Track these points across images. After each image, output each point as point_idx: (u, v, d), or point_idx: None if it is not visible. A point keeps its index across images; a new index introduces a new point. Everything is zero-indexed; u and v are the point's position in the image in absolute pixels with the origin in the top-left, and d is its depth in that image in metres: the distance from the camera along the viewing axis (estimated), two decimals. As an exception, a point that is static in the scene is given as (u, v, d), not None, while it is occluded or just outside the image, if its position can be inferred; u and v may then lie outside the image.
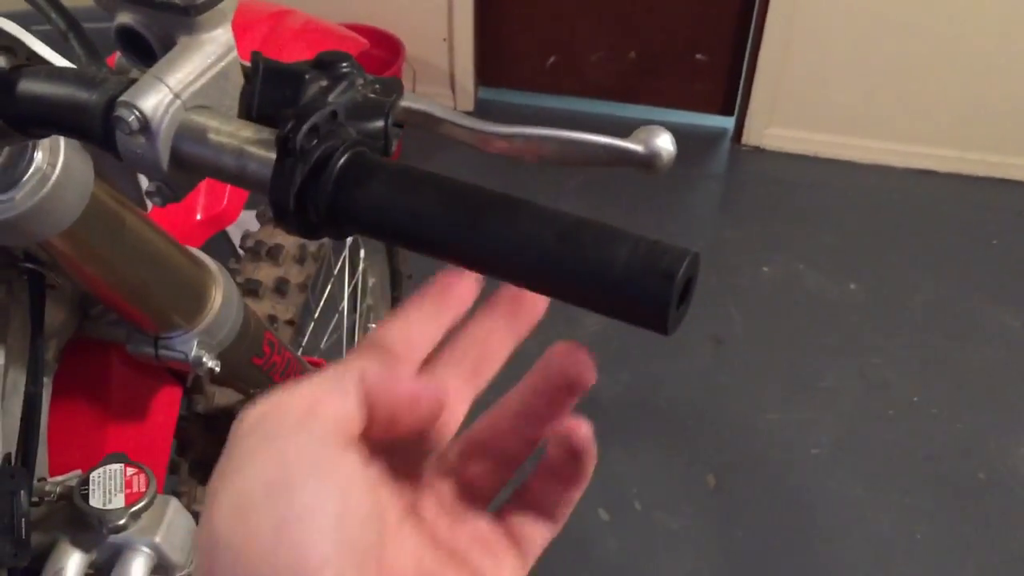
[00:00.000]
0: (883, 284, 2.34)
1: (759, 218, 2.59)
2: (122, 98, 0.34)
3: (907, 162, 2.80)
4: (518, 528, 0.33)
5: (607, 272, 0.27)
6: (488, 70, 3.04)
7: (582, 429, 0.31)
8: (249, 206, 1.05)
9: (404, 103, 0.38)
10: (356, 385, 0.28)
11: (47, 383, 0.71)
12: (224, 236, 1.56)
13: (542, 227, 0.28)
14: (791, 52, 2.69)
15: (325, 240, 1.22)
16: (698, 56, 2.86)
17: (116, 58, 0.43)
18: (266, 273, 1.13)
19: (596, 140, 0.38)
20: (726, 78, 2.89)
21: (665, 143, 0.38)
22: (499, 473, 0.34)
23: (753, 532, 1.72)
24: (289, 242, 1.17)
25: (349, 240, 1.42)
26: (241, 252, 1.18)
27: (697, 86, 2.91)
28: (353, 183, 0.31)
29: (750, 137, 2.88)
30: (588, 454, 0.32)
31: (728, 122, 2.95)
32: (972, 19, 2.53)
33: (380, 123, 0.37)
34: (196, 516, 0.76)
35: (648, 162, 0.37)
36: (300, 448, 0.27)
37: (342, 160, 0.31)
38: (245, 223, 1.20)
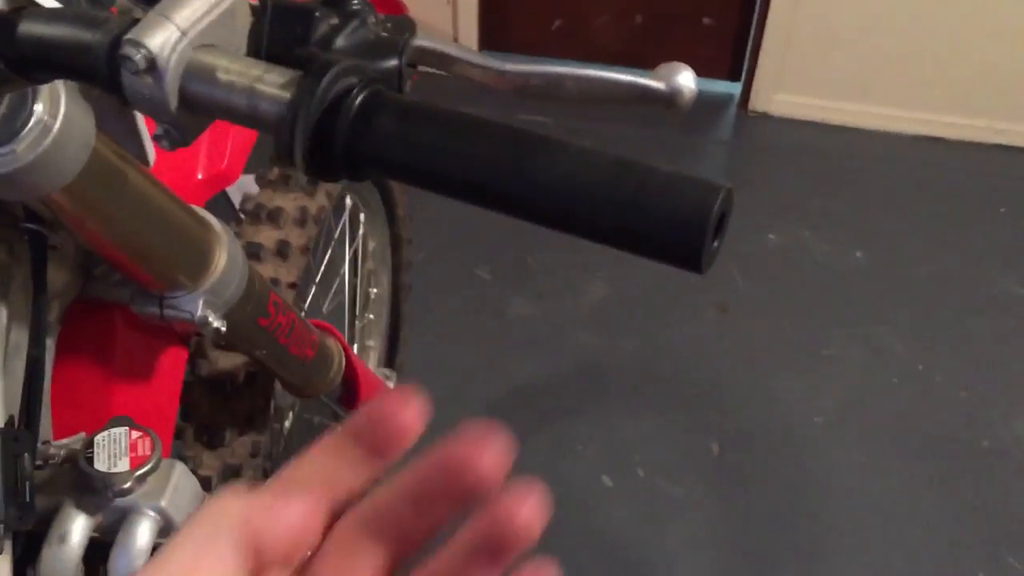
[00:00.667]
0: (889, 252, 2.33)
1: (765, 185, 2.57)
2: (128, 36, 0.32)
3: (915, 129, 2.77)
4: None
5: (641, 208, 0.26)
6: (492, 33, 3.00)
7: (525, 511, 0.25)
8: (248, 170, 1.03)
9: (417, 42, 0.37)
10: (233, 538, 0.25)
11: (50, 345, 0.70)
12: (225, 199, 1.55)
13: (573, 163, 0.27)
14: (799, 17, 2.65)
15: (325, 203, 1.21)
16: (705, 20, 2.83)
17: (117, 4, 0.41)
18: (267, 236, 1.12)
19: (616, 77, 0.36)
20: (733, 43, 2.86)
21: (687, 80, 0.36)
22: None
23: (756, 499, 1.73)
24: (290, 205, 1.16)
25: (349, 204, 1.41)
26: (241, 215, 1.17)
27: (704, 51, 2.88)
28: (372, 120, 0.29)
29: (757, 103, 2.85)
30: (526, 542, 0.25)
31: (735, 88, 2.92)
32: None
33: (394, 62, 0.35)
34: (202, 482, 0.75)
35: (669, 99, 0.36)
36: None
37: (360, 97, 0.30)
38: (245, 186, 1.18)
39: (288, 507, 0.25)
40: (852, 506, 1.72)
